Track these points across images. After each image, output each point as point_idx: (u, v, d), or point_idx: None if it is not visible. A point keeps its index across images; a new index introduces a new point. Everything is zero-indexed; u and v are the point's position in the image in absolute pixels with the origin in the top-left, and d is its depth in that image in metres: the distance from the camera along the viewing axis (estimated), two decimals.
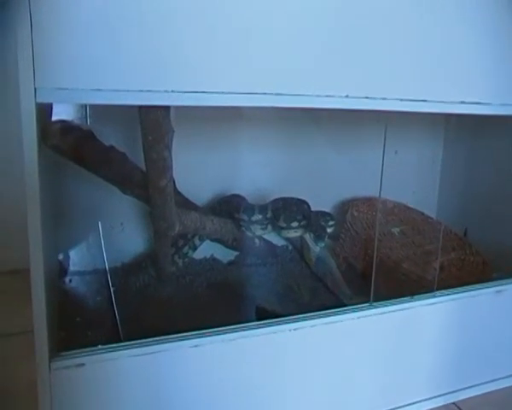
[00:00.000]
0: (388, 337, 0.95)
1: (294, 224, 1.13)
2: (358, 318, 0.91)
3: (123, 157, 0.92)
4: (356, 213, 1.39)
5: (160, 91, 0.67)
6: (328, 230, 1.16)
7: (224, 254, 1.28)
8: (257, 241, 1.24)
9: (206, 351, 0.80)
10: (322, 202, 1.25)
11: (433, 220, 1.45)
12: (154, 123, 0.77)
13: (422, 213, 1.47)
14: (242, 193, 1.23)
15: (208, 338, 0.80)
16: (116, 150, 0.92)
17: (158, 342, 0.78)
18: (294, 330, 0.86)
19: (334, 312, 0.90)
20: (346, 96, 0.80)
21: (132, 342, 0.77)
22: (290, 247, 1.36)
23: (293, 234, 1.16)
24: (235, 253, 1.28)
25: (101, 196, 1.09)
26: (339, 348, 0.91)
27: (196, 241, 1.18)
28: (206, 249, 1.25)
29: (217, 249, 1.27)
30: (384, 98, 0.82)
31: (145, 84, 0.66)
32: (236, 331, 0.82)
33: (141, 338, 0.78)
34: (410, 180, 1.50)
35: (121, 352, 0.76)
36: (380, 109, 0.82)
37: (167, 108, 0.77)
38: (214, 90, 0.70)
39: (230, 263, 1.29)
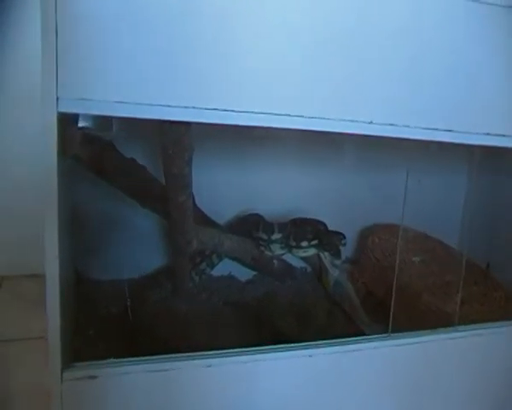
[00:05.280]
0: (407, 370, 0.93)
1: (304, 243, 1.12)
2: (376, 348, 0.89)
3: (143, 170, 0.92)
4: (377, 240, 1.38)
5: (180, 107, 0.67)
6: (342, 248, 1.15)
7: (241, 273, 1.28)
8: (275, 262, 1.23)
9: (219, 372, 0.79)
10: (343, 226, 1.23)
11: (455, 251, 1.42)
12: (174, 138, 0.77)
13: (443, 243, 1.45)
14: (264, 213, 1.22)
15: (221, 359, 0.79)
16: (136, 163, 0.92)
17: (171, 360, 0.77)
18: (309, 356, 0.84)
19: (351, 340, 0.88)
20: (370, 123, 0.79)
21: (146, 358, 0.77)
22: (309, 269, 1.34)
23: (302, 254, 1.15)
24: (253, 272, 1.28)
25: (121, 207, 1.10)
26: (355, 377, 0.89)
27: (214, 258, 1.18)
28: (224, 267, 1.25)
29: (235, 268, 1.26)
30: (407, 126, 0.81)
31: (166, 98, 0.67)
32: (250, 354, 0.81)
33: (155, 354, 0.77)
34: (432, 209, 1.47)
35: (134, 367, 0.75)
36: (403, 137, 0.81)
37: (188, 124, 0.76)
38: (235, 108, 0.70)
39: (248, 282, 1.28)
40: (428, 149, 1.14)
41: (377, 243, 1.36)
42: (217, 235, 1.06)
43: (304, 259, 1.28)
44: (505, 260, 1.39)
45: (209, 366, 0.78)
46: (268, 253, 1.14)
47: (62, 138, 0.68)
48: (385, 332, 0.92)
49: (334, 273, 1.21)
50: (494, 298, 1.26)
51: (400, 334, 0.91)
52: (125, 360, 0.76)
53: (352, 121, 0.78)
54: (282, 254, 1.18)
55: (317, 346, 0.85)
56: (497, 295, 1.27)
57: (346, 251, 1.34)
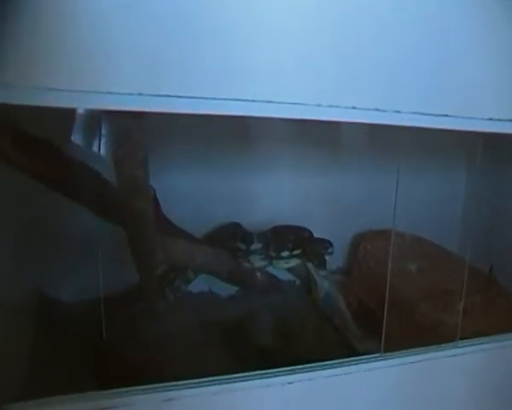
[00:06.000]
0: (402, 393, 0.82)
1: (285, 253, 1.03)
2: (367, 370, 0.78)
3: (96, 175, 0.80)
4: (369, 247, 1.28)
5: (122, 94, 0.56)
6: (327, 257, 1.06)
7: (223, 288, 1.16)
8: (258, 274, 1.13)
9: (182, 406, 0.68)
10: (333, 233, 1.14)
11: (455, 256, 1.31)
12: (122, 134, 0.66)
13: (442, 248, 1.34)
14: (246, 221, 1.12)
15: (185, 391, 0.68)
16: (87, 167, 0.80)
17: (125, 394, 0.66)
18: (289, 383, 0.72)
19: (337, 363, 0.77)
20: (353, 108, 0.68)
21: (96, 393, 0.66)
22: (297, 281, 1.23)
23: (284, 265, 1.05)
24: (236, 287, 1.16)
25: (84, 219, 0.98)
26: (344, 405, 0.78)
27: (190, 274, 1.07)
28: (204, 282, 1.13)
29: (215, 282, 1.14)
30: (398, 111, 0.71)
31: (106, 84, 0.55)
32: (219, 384, 0.69)
33: (115, 387, 0.66)
34: (429, 212, 1.38)
35: (83, 404, 0.64)
36: (392, 124, 0.71)
37: (139, 116, 0.65)
38: (191, 94, 0.59)
39: (230, 298, 1.17)
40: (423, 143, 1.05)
41: (369, 249, 1.26)
42: (187, 247, 0.95)
43: (289, 270, 1.18)
44: (509, 264, 1.28)
45: (169, 399, 0.66)
46: (247, 265, 1.03)
47: None
48: (379, 349, 0.81)
49: (323, 285, 1.11)
50: (499, 306, 1.16)
51: (393, 353, 0.80)
52: (72, 396, 0.64)
53: (331, 107, 0.67)
54: (264, 267, 1.07)
55: (298, 371, 0.73)
56: (502, 303, 1.16)
57: (338, 261, 1.26)
